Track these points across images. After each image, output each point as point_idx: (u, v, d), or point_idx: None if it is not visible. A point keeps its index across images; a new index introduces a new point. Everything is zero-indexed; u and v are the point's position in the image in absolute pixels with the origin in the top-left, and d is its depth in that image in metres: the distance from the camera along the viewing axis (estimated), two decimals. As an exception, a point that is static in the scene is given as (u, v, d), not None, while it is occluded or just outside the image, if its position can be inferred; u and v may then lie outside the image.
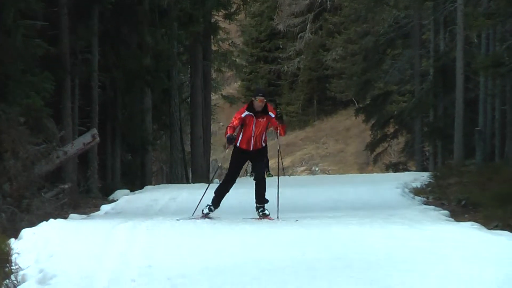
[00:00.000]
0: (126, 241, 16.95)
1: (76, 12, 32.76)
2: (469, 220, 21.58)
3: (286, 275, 12.30)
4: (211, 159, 54.72)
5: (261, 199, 18.27)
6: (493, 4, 34.69)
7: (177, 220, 17.68)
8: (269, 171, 33.91)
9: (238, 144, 18.32)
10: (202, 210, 18.33)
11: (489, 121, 38.68)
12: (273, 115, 18.31)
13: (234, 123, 18.32)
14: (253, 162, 19.47)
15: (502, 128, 36.97)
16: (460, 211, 24.64)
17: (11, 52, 26.48)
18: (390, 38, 54.51)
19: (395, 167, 55.37)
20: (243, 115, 18.06)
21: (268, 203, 18.65)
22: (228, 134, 18.26)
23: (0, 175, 23.77)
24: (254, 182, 18.60)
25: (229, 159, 19.57)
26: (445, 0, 45.01)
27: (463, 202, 25.84)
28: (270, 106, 18.55)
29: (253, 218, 18.45)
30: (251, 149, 18.30)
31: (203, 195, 19.28)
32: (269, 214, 18.26)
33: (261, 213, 18.19)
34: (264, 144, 18.64)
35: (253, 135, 18.09)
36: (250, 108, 18.16)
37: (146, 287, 12.33)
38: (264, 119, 18.13)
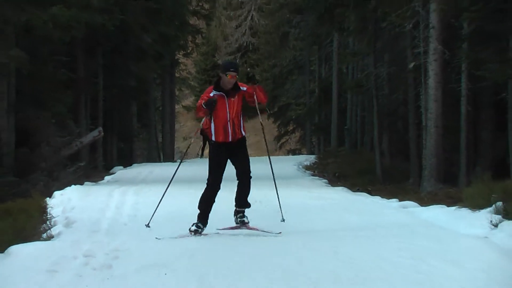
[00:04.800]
0: (120, 199, 17.96)
1: (87, 51, 34.85)
2: (341, 186, 23.87)
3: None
4: (175, 146, 56.16)
5: (243, 202, 11.85)
6: (356, 47, 36.63)
7: (156, 238, 11.18)
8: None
9: (213, 138, 11.60)
10: (190, 228, 11.61)
11: (353, 122, 42.01)
12: (245, 88, 11.64)
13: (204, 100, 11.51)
14: (235, 158, 11.80)
15: (362, 127, 40.10)
16: (335, 180, 26.98)
17: (46, 77, 26.89)
18: (290, 69, 56.31)
19: (293, 152, 56.97)
20: (211, 95, 11.50)
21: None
22: (203, 103, 11.38)
23: (38, 157, 24.39)
24: (237, 181, 11.82)
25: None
26: (325, 44, 47.01)
27: (336, 174, 28.99)
28: (242, 84, 11.75)
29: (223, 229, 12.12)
30: (230, 139, 11.53)
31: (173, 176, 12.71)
32: (248, 222, 11.89)
33: (239, 220, 11.85)
34: (244, 133, 11.78)
35: (228, 118, 11.50)
36: (218, 86, 11.59)
37: (133, 227, 13.49)
38: (236, 97, 11.58)
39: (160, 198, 12.36)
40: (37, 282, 8.67)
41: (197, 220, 11.66)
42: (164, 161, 46.66)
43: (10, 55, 20.95)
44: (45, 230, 12.94)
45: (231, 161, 11.80)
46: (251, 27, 63.33)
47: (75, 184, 21.56)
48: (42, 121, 25.95)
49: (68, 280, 8.80)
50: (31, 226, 12.90)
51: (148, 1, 37.17)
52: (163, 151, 50.94)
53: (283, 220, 12.13)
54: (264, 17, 58.10)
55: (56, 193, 18.35)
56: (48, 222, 13.68)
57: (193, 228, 11.59)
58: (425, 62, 23.52)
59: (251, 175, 11.80)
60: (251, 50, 66.36)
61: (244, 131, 11.87)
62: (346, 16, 31.78)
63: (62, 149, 27.41)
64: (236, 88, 11.52)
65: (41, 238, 12.22)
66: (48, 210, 14.97)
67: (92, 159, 34.01)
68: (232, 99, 11.51)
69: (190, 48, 53.17)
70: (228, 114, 11.50)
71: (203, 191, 11.79)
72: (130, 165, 36.31)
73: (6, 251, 10.41)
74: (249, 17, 64.45)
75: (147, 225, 12.15)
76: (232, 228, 11.95)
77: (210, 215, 11.84)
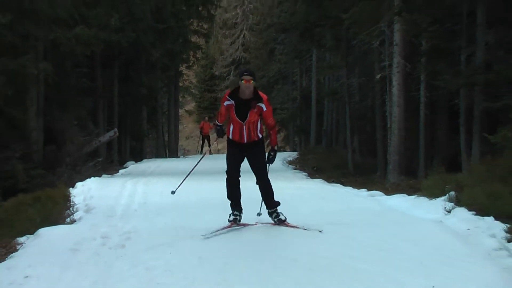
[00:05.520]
0: (132, 189, 17.57)
1: (105, 64, 34.30)
2: (318, 178, 23.16)
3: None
4: (178, 144, 54.20)
5: (271, 202, 10.47)
6: (332, 60, 35.86)
7: (202, 235, 9.62)
8: None
9: (230, 136, 10.29)
10: (228, 219, 10.29)
11: (329, 124, 41.32)
12: (265, 108, 9.94)
13: (220, 120, 10.46)
14: (251, 160, 10.36)
15: (336, 128, 39.48)
16: (313, 173, 26.20)
17: (69, 86, 27.23)
18: (276, 79, 55.32)
19: (279, 150, 55.01)
20: (225, 104, 10.09)
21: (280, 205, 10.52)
22: (216, 124, 10.52)
23: (63, 153, 24.05)
24: (257, 185, 10.44)
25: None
26: (306, 58, 45.93)
27: (315, 168, 28.05)
28: (262, 94, 10.04)
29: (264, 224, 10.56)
30: (245, 141, 10.11)
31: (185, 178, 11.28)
32: (285, 220, 10.46)
33: (276, 219, 10.46)
34: (260, 136, 10.22)
35: (244, 123, 9.97)
36: (234, 94, 10.02)
37: (143, 213, 13.11)
38: (256, 108, 9.89)
39: (181, 182, 11.05)
40: (61, 259, 8.70)
41: (232, 210, 10.36)
42: (170, 157, 45.97)
43: (39, 67, 20.79)
44: (69, 215, 12.95)
45: (248, 160, 10.31)
46: (243, 43, 63.45)
47: (94, 176, 21.38)
48: (66, 123, 25.87)
49: (88, 257, 8.87)
50: (57, 212, 12.95)
51: (157, 22, 36.53)
52: (169, 148, 50.15)
53: (260, 214, 10.71)
54: (254, 35, 58.11)
55: (78, 184, 18.20)
56: (71, 209, 13.66)
57: (231, 218, 10.28)
58: (389, 74, 23.66)
59: (267, 176, 10.32)
60: (243, 63, 65.02)
61: (262, 133, 10.23)
62: (323, 35, 32.27)
63: (83, 146, 27.24)
64: (257, 97, 9.85)
65: (65, 222, 12.25)
66: (71, 198, 15.01)
67: (109, 155, 33.89)
68: (253, 110, 9.83)
69: (191, 62, 51.46)
70: (244, 120, 9.92)
71: (226, 184, 10.33)
72: (141, 160, 36.10)
73: (35, 233, 10.48)
74: (242, 35, 64.82)
75: (173, 192, 10.68)
76: (272, 224, 10.51)
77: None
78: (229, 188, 10.31)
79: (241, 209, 10.39)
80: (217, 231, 9.84)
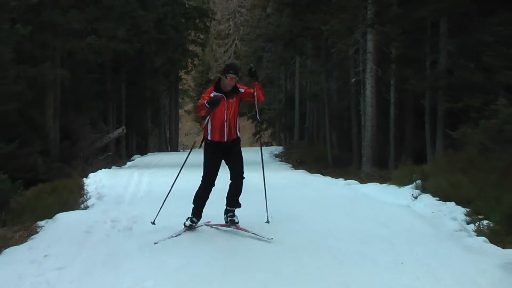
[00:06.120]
0: (138, 179, 17.49)
1: (114, 70, 34.67)
2: (301, 169, 23.42)
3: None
4: (178, 140, 55.28)
5: (234, 202, 9.17)
6: (313, 67, 35.26)
7: (155, 243, 8.32)
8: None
9: (209, 137, 8.91)
10: (184, 223, 9.02)
11: (311, 122, 40.22)
12: (243, 90, 8.92)
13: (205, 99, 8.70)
14: (229, 158, 9.04)
15: (317, 126, 38.12)
16: (297, 165, 26.14)
17: (83, 90, 27.36)
18: (264, 83, 47.24)
19: (266, 144, 54.12)
20: (212, 95, 8.72)
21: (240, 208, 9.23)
22: (205, 102, 8.60)
23: (78, 149, 24.00)
24: (230, 181, 9.09)
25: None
26: (290, 64, 45.07)
27: (298, 160, 27.88)
28: (241, 86, 9.00)
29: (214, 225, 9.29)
30: (225, 139, 8.83)
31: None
32: (238, 222, 9.12)
33: (229, 219, 9.16)
34: (238, 134, 9.03)
35: (225, 119, 8.80)
36: (218, 87, 8.87)
37: (148, 200, 13.03)
38: (234, 98, 8.87)
39: (174, 180, 9.53)
40: (77, 240, 8.77)
41: (191, 215, 9.04)
42: (171, 151, 46.33)
43: (56, 74, 20.77)
44: (83, 202, 12.95)
45: (225, 161, 9.01)
46: (235, 52, 63.14)
47: (104, 168, 21.42)
48: (80, 122, 25.92)
49: (100, 238, 8.92)
50: (72, 199, 12.98)
51: (159, 33, 36.57)
52: (170, 144, 50.56)
53: (268, 222, 9.37)
54: (244, 44, 57.53)
55: (91, 175, 18.18)
56: (84, 196, 13.65)
57: (188, 222, 8.98)
58: (363, 78, 23.62)
59: (244, 176, 9.05)
60: (234, 70, 62.61)
61: (239, 131, 9.04)
62: (305, 45, 32.08)
63: (95, 142, 27.25)
64: (235, 90, 8.78)
65: (79, 208, 12.26)
66: (85, 187, 15.06)
67: (117, 150, 33.98)
68: (231, 100, 8.74)
69: (190, 68, 51.98)
70: (225, 114, 8.72)
71: (197, 188, 9.00)
72: (146, 154, 36.04)
73: (53, 218, 10.50)
74: (234, 45, 64.44)
75: (153, 222, 9.30)
76: (221, 225, 9.20)
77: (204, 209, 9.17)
78: (199, 194, 8.98)
79: (201, 217, 9.09)
80: (170, 237, 8.58)
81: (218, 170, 8.93)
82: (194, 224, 8.99)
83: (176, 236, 8.61)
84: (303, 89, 42.59)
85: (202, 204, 9.00)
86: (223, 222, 9.24)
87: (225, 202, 9.20)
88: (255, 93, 8.81)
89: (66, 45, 21.26)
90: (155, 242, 8.26)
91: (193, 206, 9.02)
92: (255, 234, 8.63)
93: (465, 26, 18.06)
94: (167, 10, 38.12)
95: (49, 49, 20.45)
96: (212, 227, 9.22)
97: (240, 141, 9.04)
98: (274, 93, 51.15)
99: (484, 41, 15.87)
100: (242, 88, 8.86)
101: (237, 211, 9.13)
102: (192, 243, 8.35)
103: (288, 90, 48.73)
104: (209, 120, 8.80)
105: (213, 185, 8.92)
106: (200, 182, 8.94)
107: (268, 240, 8.25)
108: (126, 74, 37.02)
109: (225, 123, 8.76)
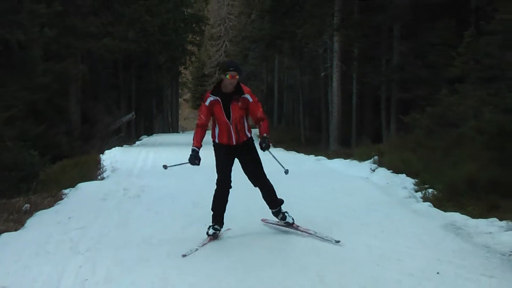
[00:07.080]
0: (145, 156, 17.10)
1: (125, 66, 34.33)
2: (280, 147, 23.05)
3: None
4: (178, 123, 55.34)
5: (273, 202, 6.66)
6: (289, 63, 35.61)
7: (183, 255, 5.74)
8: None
9: (216, 140, 6.40)
10: (207, 232, 6.39)
11: (287, 109, 40.58)
12: (251, 99, 6.22)
13: (202, 119, 6.27)
14: (243, 162, 6.50)
15: (292, 112, 39.00)
16: (276, 144, 24.25)
17: (99, 82, 27.40)
18: (249, 77, 50.66)
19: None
20: (207, 103, 6.20)
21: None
22: (192, 147, 6.28)
23: (95, 130, 23.41)
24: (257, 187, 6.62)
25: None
26: (270, 61, 43.98)
27: (277, 140, 26.23)
28: (245, 87, 6.28)
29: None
30: (234, 143, 6.34)
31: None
32: (293, 222, 6.58)
33: (283, 222, 6.64)
34: (249, 135, 6.44)
35: (230, 123, 6.21)
36: (217, 90, 6.21)
37: (153, 172, 12.72)
38: (240, 102, 6.16)
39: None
40: (94, 206, 8.74)
41: (213, 222, 6.50)
42: (172, 132, 46.59)
43: (77, 69, 20.54)
44: (99, 174, 12.85)
45: (240, 163, 6.54)
46: (225, 51, 63.06)
47: (117, 146, 21.30)
48: (97, 108, 25.63)
49: (114, 204, 8.87)
50: (91, 171, 12.88)
51: (162, 35, 36.18)
52: (171, 126, 50.51)
53: (287, 171, 6.55)
54: (233, 45, 57.20)
55: (106, 152, 18.06)
56: (101, 169, 13.52)
57: (211, 231, 6.45)
58: (331, 73, 23.73)
59: (265, 177, 6.61)
60: (227, 65, 62.36)
61: (250, 132, 6.46)
62: (283, 45, 32.03)
63: (110, 125, 26.96)
64: (238, 91, 6.23)
65: (97, 179, 12.15)
66: (101, 162, 14.89)
67: (128, 131, 33.61)
68: (236, 103, 6.19)
69: (188, 64, 50.98)
70: (229, 119, 6.22)
71: (214, 193, 6.45)
72: (152, 134, 35.74)
73: (75, 186, 10.49)
74: (224, 45, 64.43)
75: (165, 167, 6.62)
76: (278, 224, 6.82)
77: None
78: (218, 199, 6.50)
79: (223, 224, 6.58)
80: (196, 249, 6.06)
81: (231, 170, 6.47)
82: (218, 232, 6.51)
83: (203, 246, 6.20)
84: (281, 81, 42.32)
85: (222, 209, 6.54)
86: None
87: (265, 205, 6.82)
88: (261, 123, 6.35)
89: (85, 45, 20.77)
90: (184, 254, 5.84)
91: (212, 213, 6.53)
92: (320, 237, 6.35)
93: (415, 30, 18.18)
94: (169, 16, 37.48)
95: (71, 48, 20.06)
96: (265, 223, 7.10)
97: (253, 140, 6.52)
98: (257, 85, 50.46)
99: (430, 43, 16.04)
100: (249, 95, 6.30)
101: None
102: (192, 210, 8.12)
103: (269, 82, 48.19)
104: (216, 124, 6.41)
105: (230, 186, 6.44)
106: (216, 186, 6.46)
107: (335, 242, 6.18)
108: (135, 69, 36.86)
109: (231, 126, 6.29)
